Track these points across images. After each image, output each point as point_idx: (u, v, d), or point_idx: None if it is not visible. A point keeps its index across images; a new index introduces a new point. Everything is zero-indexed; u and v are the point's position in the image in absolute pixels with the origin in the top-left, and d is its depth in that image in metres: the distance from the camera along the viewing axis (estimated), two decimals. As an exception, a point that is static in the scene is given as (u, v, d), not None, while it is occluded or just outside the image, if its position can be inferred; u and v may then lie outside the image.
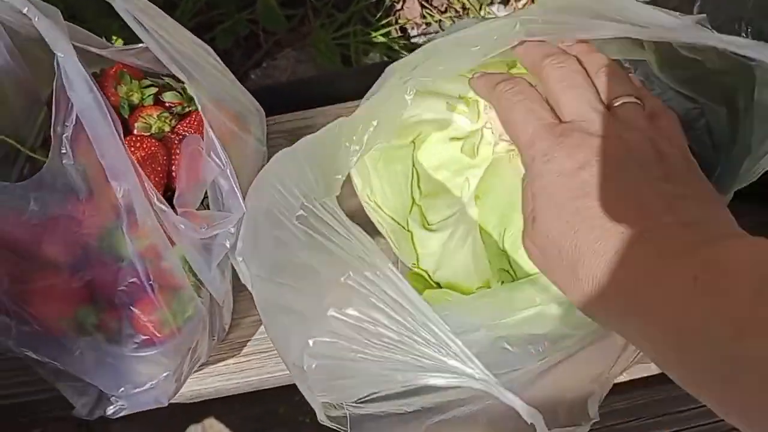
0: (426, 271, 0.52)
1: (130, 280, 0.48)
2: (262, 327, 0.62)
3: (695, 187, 0.37)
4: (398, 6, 1.21)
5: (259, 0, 1.14)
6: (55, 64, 0.40)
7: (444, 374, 0.38)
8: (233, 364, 0.61)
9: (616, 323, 0.36)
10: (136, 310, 0.49)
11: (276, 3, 1.14)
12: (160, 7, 0.88)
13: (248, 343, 0.62)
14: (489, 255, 0.50)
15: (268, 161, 0.63)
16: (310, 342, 0.41)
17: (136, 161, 0.50)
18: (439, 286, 0.51)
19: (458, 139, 0.50)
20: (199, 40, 0.51)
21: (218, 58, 0.53)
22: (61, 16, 0.39)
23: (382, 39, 1.17)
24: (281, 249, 0.44)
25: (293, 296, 0.43)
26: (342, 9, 1.18)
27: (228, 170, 0.46)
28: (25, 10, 0.38)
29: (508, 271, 0.50)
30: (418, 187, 0.51)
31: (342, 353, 0.40)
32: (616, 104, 0.39)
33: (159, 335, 0.50)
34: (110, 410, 0.50)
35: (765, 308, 0.29)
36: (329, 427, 0.44)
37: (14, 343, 0.46)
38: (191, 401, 0.64)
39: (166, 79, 0.58)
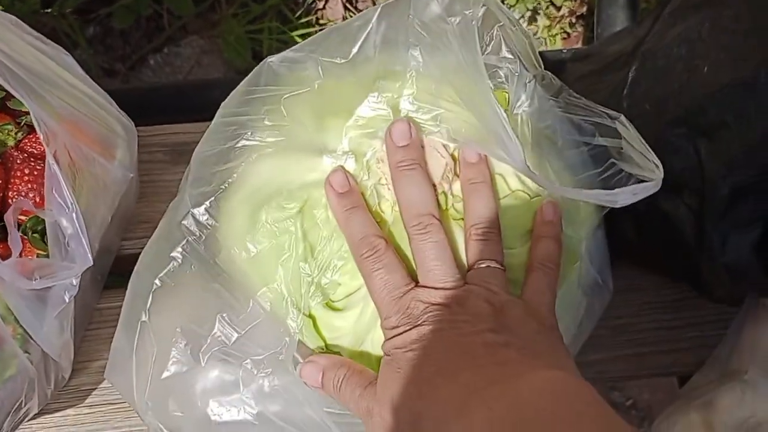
0: (338, 353, 0.46)
1: (-66, 332, 0.39)
2: (113, 375, 0.54)
3: (523, 336, 0.40)
4: (320, 5, 1.14)
5: (165, -21, 1.03)
6: None
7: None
8: (73, 415, 0.53)
9: None
10: (-61, 368, 0.40)
11: (186, -15, 1.04)
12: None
13: (94, 392, 0.53)
14: None
15: (136, 186, 0.55)
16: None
17: (-41, 184, 0.41)
18: None
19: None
20: (55, 46, 0.42)
21: (79, 68, 0.44)
22: None
23: (299, 39, 1.09)
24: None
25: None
26: (258, 1, 1.09)
27: (74, 213, 0.38)
28: None
29: None
30: (313, 259, 0.45)
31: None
32: (476, 267, 0.42)
33: (-31, 398, 0.41)
34: None
35: None
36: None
37: None
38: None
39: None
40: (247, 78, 0.49)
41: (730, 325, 0.57)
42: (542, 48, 1.21)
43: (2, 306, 0.40)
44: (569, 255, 0.49)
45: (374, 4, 1.16)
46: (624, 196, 0.41)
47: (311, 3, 1.13)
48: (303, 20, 1.11)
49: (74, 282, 0.39)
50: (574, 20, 1.20)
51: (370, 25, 0.47)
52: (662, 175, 0.44)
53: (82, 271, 0.38)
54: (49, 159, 0.37)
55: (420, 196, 0.43)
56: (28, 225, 0.43)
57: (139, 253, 0.57)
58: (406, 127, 0.44)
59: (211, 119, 0.55)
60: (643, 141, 0.46)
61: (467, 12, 0.45)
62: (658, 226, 0.53)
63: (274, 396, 0.48)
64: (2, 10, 0.92)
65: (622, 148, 0.48)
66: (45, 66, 0.40)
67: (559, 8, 1.21)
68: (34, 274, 0.38)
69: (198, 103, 0.75)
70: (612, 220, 0.53)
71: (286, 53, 0.49)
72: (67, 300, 0.40)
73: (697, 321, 0.60)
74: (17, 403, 0.44)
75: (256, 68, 0.49)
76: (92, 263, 0.38)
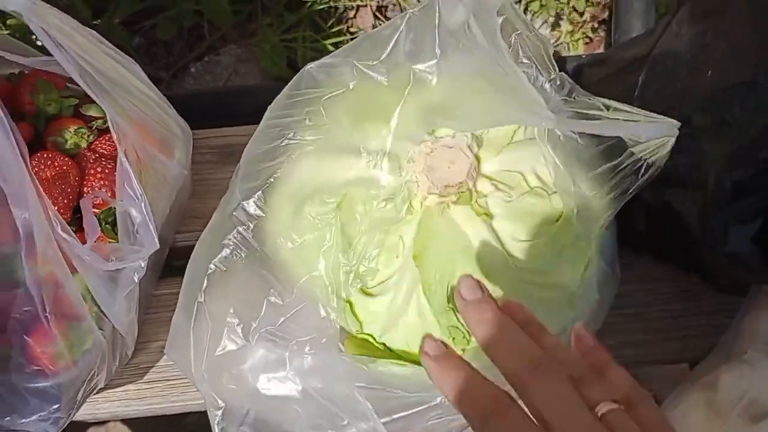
0: (371, 335, 0.51)
1: (25, 308, 0.45)
2: (169, 354, 0.60)
3: None
4: (351, 14, 1.19)
5: (206, -9, 1.10)
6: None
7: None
8: (134, 390, 0.59)
9: None
10: (29, 340, 0.46)
11: (225, -3, 1.10)
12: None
13: (152, 370, 0.59)
14: (436, 313, 0.50)
15: (190, 184, 0.61)
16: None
17: (44, 180, 0.47)
18: (387, 348, 0.50)
19: (385, 197, 0.49)
20: (126, 56, 0.48)
21: (145, 76, 0.50)
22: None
23: (331, 47, 1.14)
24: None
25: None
26: (293, 10, 1.15)
27: (142, 203, 0.44)
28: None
29: (458, 327, 0.49)
30: (351, 249, 0.50)
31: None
32: (600, 412, 0.38)
33: (53, 367, 0.47)
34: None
35: None
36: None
37: None
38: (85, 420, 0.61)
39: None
40: (289, 84, 0.55)
41: (736, 313, 0.61)
42: (565, 53, 1.25)
43: (82, 286, 0.46)
44: (585, 247, 0.54)
45: (402, 11, 1.21)
46: (648, 131, 0.46)
47: (342, 12, 1.19)
48: (335, 29, 1.17)
49: (142, 264, 0.45)
50: (596, 25, 1.25)
51: (399, 32, 0.52)
52: (679, 124, 0.46)
53: (149, 254, 0.44)
54: (121, 156, 0.43)
55: (519, 340, 0.39)
56: (101, 216, 0.49)
57: (191, 246, 0.63)
58: (473, 282, 0.41)
59: (249, 123, 0.60)
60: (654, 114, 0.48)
61: (488, 19, 0.50)
62: (666, 219, 0.57)
63: (316, 375, 0.53)
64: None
65: (632, 138, 0.52)
66: (118, 73, 0.46)
67: (581, 14, 1.25)
68: (109, 256, 0.43)
69: (236, 110, 0.81)
70: (624, 214, 0.57)
71: (324, 60, 0.55)
72: (136, 280, 0.46)
73: (706, 310, 0.64)
74: (90, 374, 0.49)
75: (297, 75, 0.55)
76: (158, 246, 0.43)
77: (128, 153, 0.44)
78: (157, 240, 0.43)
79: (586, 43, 1.26)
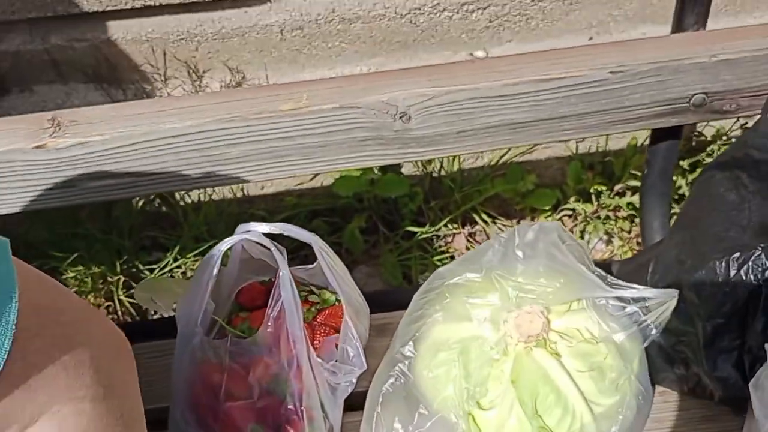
0: None
1: (289, 407, 0.78)
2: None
3: None
4: (449, 239, 1.59)
5: (347, 228, 1.52)
6: (277, 277, 0.74)
7: None
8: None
9: None
10: (289, 428, 0.78)
11: (358, 231, 1.52)
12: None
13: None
14: (528, 418, 0.79)
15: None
16: None
17: (297, 335, 0.83)
18: None
19: (491, 346, 0.82)
20: (343, 264, 0.86)
21: (350, 277, 0.87)
22: (286, 255, 0.75)
23: (437, 263, 1.52)
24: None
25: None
26: (407, 239, 1.55)
27: (357, 344, 0.78)
28: (274, 251, 0.73)
29: (544, 428, 0.79)
30: (470, 379, 0.81)
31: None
32: None
33: (298, 447, 0.78)
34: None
35: None
36: None
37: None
38: None
39: (311, 287, 0.92)
40: (427, 280, 0.91)
41: (744, 428, 0.87)
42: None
43: (318, 397, 0.79)
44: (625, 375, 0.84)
45: (488, 237, 1.60)
46: (658, 294, 0.80)
47: (442, 238, 1.58)
48: (438, 250, 1.55)
49: (353, 380, 0.78)
50: (640, 240, 1.59)
51: (492, 248, 0.88)
52: (677, 292, 0.80)
53: (360, 373, 0.77)
54: (347, 317, 0.78)
55: None
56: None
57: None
58: None
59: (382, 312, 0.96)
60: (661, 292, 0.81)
61: (549, 237, 0.86)
62: (677, 357, 0.86)
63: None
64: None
65: (647, 306, 0.84)
66: (344, 275, 0.83)
67: (629, 232, 1.61)
68: (338, 373, 0.77)
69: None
70: (655, 358, 0.87)
71: (447, 266, 0.90)
72: (349, 392, 0.78)
73: (727, 429, 0.90)
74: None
75: (432, 275, 0.91)
76: (366, 368, 0.76)
77: (351, 319, 0.80)
78: (365, 363, 0.77)
79: (634, 253, 1.59)
